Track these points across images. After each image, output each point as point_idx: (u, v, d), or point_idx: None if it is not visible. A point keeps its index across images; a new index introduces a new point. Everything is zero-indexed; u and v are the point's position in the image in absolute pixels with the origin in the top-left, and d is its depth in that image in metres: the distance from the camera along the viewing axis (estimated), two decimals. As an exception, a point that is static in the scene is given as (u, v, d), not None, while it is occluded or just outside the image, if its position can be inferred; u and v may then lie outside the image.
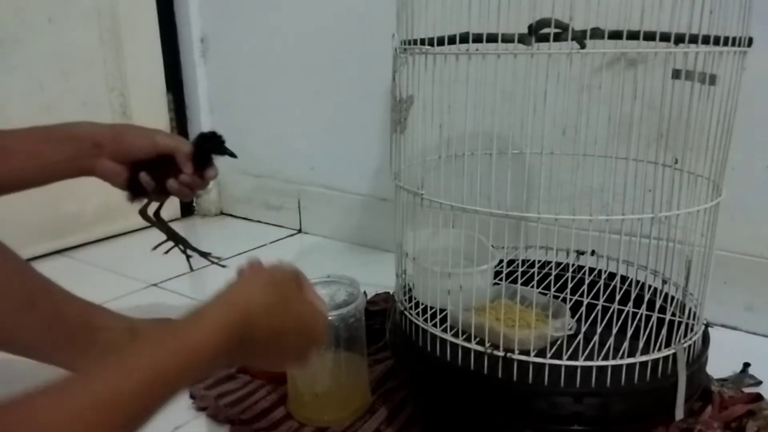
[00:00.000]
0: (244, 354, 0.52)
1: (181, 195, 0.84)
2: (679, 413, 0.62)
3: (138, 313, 1.04)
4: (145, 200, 0.87)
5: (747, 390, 0.79)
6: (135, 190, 0.84)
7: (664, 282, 0.78)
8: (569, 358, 0.61)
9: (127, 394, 0.40)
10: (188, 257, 0.93)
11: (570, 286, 0.77)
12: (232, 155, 0.85)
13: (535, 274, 0.75)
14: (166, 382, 0.43)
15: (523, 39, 0.60)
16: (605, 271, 0.84)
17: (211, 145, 0.84)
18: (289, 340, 0.55)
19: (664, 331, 0.64)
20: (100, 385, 0.40)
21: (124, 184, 0.82)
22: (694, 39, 0.60)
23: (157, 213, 0.91)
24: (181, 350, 0.45)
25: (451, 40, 0.63)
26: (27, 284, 0.76)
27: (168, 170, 0.82)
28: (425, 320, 0.69)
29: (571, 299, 0.74)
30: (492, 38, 0.61)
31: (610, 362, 0.61)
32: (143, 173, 0.81)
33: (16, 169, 0.74)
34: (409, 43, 0.67)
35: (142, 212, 0.89)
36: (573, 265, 0.86)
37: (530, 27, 0.60)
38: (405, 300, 0.74)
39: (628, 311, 0.70)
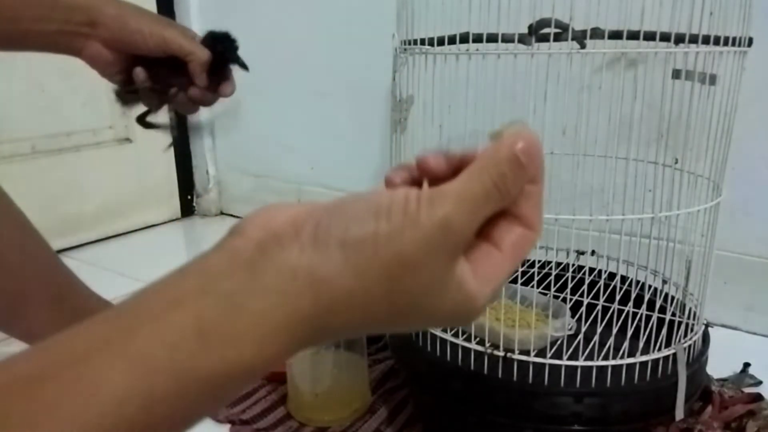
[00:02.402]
0: (317, 341, 0.29)
1: (187, 110, 0.70)
2: (679, 413, 0.62)
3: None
4: (137, 105, 0.70)
5: (747, 390, 0.79)
6: (129, 91, 0.68)
7: (664, 282, 0.78)
8: (569, 358, 0.61)
9: None
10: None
11: (570, 286, 0.77)
12: (244, 67, 0.69)
13: (535, 274, 0.75)
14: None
15: (523, 39, 0.60)
16: (605, 271, 0.84)
17: (222, 49, 0.67)
18: (400, 326, 0.31)
19: (664, 331, 0.64)
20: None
21: (118, 78, 0.67)
22: (694, 39, 0.60)
23: (141, 118, 0.72)
24: (205, 379, 0.26)
25: (451, 40, 0.63)
26: (58, 278, 0.73)
27: (175, 77, 0.66)
28: (425, 320, 0.69)
29: (571, 299, 0.74)
30: (492, 38, 0.61)
31: (610, 362, 0.61)
32: (140, 69, 0.65)
33: None
34: (409, 43, 0.67)
35: (141, 119, 0.71)
36: (573, 265, 0.86)
37: (530, 27, 0.60)
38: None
39: (628, 311, 0.70)
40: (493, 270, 0.29)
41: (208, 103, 0.69)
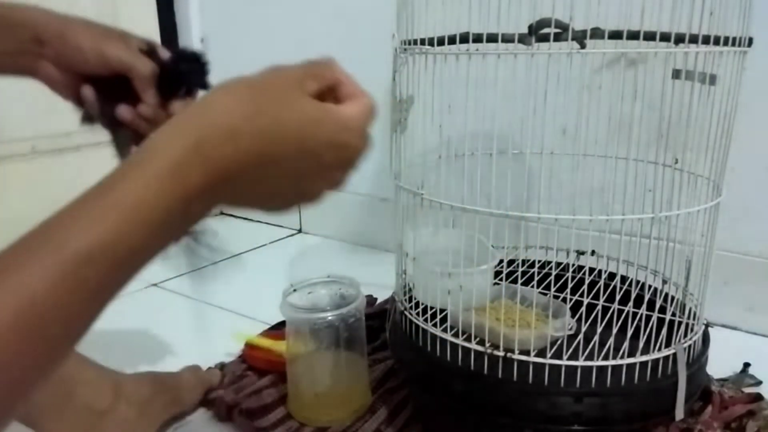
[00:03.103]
0: (228, 196, 0.40)
1: (138, 128, 0.63)
2: (679, 413, 0.62)
3: (138, 313, 1.04)
4: (98, 125, 0.66)
5: (747, 390, 0.79)
6: (85, 112, 0.65)
7: (664, 282, 0.78)
8: (569, 358, 0.61)
9: (66, 284, 0.32)
10: None
11: (570, 286, 0.77)
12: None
13: (535, 274, 0.75)
14: (116, 259, 0.34)
15: (523, 39, 0.60)
16: (605, 271, 0.84)
17: (187, 70, 0.64)
18: (297, 161, 0.40)
19: (664, 331, 0.64)
20: (32, 278, 0.31)
21: (72, 99, 0.63)
22: (694, 39, 0.60)
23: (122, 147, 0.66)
24: (124, 208, 0.34)
25: (451, 40, 0.63)
26: None
27: (122, 93, 0.62)
28: (425, 320, 0.69)
29: (571, 299, 0.74)
30: (492, 38, 0.61)
31: (610, 362, 0.61)
32: (86, 87, 0.62)
33: None
34: (409, 43, 0.67)
35: (118, 144, 0.67)
36: (573, 265, 0.86)
37: (530, 27, 0.60)
38: (405, 300, 0.74)
39: (628, 311, 0.70)
40: (349, 109, 0.43)
41: (159, 121, 0.60)
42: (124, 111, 0.62)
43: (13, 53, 0.59)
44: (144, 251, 0.35)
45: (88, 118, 0.65)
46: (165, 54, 0.64)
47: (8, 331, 0.30)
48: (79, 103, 0.64)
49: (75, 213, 0.34)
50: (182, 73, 0.63)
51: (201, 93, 0.64)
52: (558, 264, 0.85)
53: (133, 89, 0.61)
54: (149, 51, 0.62)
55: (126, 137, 0.65)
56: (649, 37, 0.60)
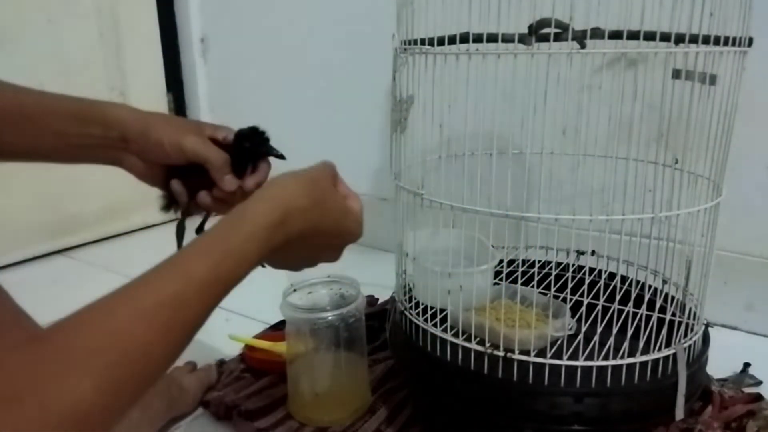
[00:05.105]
0: (281, 251, 0.52)
1: (218, 210, 0.71)
2: (679, 413, 0.62)
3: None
4: (181, 211, 0.74)
5: (747, 390, 0.79)
6: (170, 199, 0.72)
7: (664, 282, 0.78)
8: (569, 358, 0.61)
9: (189, 295, 0.43)
10: None
11: (570, 286, 0.77)
12: (279, 156, 0.71)
13: (535, 274, 0.75)
14: (221, 283, 0.46)
15: (523, 39, 0.59)
16: (605, 271, 0.84)
17: (251, 145, 0.69)
18: (324, 237, 0.57)
19: (664, 331, 0.64)
20: (164, 287, 0.43)
21: (159, 186, 0.71)
22: (694, 39, 0.60)
23: (199, 229, 0.73)
24: (232, 253, 0.47)
25: (451, 40, 0.63)
26: None
27: (202, 181, 0.69)
28: (425, 320, 0.69)
29: (571, 299, 0.74)
30: (492, 38, 0.61)
31: (610, 362, 0.61)
32: (175, 181, 0.69)
33: (41, 144, 0.66)
34: (409, 43, 0.67)
35: (178, 228, 0.75)
36: (573, 265, 0.86)
37: (530, 27, 0.60)
38: (405, 300, 0.74)
39: (628, 311, 0.70)
40: (357, 205, 0.61)
41: (236, 200, 0.69)
42: (204, 197, 0.70)
43: (103, 147, 0.67)
44: (231, 281, 0.48)
45: (167, 207, 0.74)
46: (230, 137, 0.70)
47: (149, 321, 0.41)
48: (163, 189, 0.71)
49: (197, 250, 0.47)
50: (247, 151, 0.69)
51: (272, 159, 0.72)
52: (558, 264, 0.85)
53: (208, 175, 0.68)
54: (220, 139, 0.69)
55: (184, 224, 0.75)
56: (649, 37, 0.60)
